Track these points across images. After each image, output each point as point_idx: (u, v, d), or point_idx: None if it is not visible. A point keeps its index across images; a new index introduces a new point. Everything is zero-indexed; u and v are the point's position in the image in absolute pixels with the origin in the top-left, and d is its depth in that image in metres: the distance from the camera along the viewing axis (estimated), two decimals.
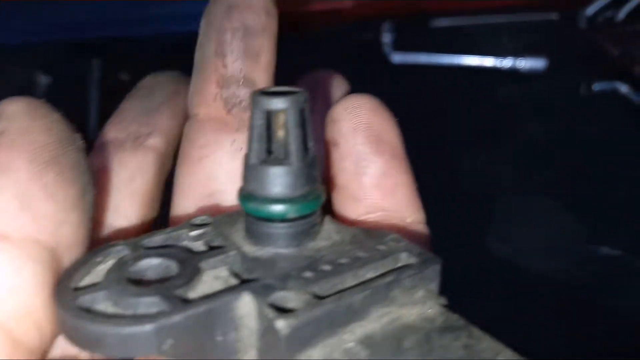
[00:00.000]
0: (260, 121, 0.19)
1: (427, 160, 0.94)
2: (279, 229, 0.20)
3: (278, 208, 0.20)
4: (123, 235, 0.27)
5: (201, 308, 0.18)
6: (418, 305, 0.20)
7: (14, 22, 1.06)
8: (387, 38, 1.06)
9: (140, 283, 0.19)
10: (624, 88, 0.95)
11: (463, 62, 1.03)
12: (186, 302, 0.18)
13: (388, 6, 1.11)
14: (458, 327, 0.19)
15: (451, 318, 0.20)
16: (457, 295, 0.79)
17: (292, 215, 0.20)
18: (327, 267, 0.19)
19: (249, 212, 0.20)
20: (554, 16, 1.08)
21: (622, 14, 1.03)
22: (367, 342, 0.18)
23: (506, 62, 1.00)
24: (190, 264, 0.20)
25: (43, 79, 0.95)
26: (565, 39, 1.05)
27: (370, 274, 0.20)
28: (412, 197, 0.27)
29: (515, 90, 0.99)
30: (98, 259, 0.21)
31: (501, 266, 0.80)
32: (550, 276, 0.78)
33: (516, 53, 1.00)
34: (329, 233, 0.22)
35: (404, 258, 0.21)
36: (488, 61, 1.02)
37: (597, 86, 0.95)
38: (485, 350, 0.18)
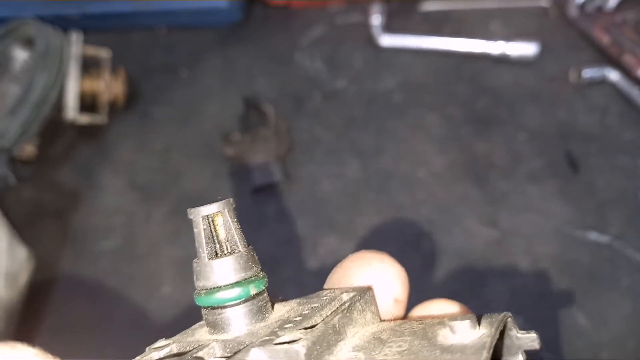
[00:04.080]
0: (204, 226, 0.23)
1: (415, 145, 0.93)
2: (248, 306, 0.23)
3: (241, 289, 0.22)
4: None
5: None
6: (373, 323, 0.24)
7: None
8: (375, 20, 1.04)
9: None
10: (613, 75, 0.94)
11: (453, 47, 1.02)
12: None
13: None
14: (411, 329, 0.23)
15: (401, 325, 0.23)
16: (446, 275, 0.78)
17: (255, 290, 0.23)
18: (298, 318, 0.22)
19: (216, 304, 0.23)
20: (544, 3, 1.07)
21: (612, 2, 1.02)
22: (358, 349, 0.21)
23: (496, 48, 0.99)
24: None
25: (19, 54, 0.91)
26: (555, 27, 1.05)
27: (330, 310, 0.23)
28: None
29: (505, 76, 0.99)
30: None
31: (490, 250, 0.79)
32: (539, 261, 0.77)
33: (506, 39, 0.99)
34: (278, 306, 0.24)
35: (345, 296, 0.24)
36: (478, 47, 1.01)
37: (586, 73, 0.94)
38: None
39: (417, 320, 0.23)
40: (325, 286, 0.26)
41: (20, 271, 0.77)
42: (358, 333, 0.23)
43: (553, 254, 0.78)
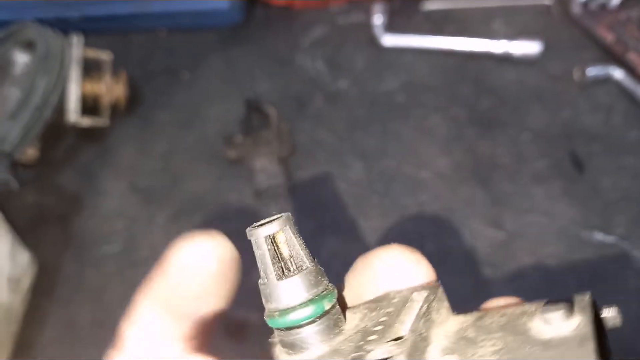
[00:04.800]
0: (268, 246, 0.22)
1: (419, 146, 0.92)
2: (324, 322, 0.22)
3: (316, 305, 0.22)
4: None
5: None
6: (449, 320, 0.22)
7: None
8: (377, 20, 1.03)
9: None
10: (617, 74, 0.94)
11: (455, 47, 1.01)
12: None
13: None
14: (490, 325, 0.21)
15: (481, 318, 0.22)
16: (452, 277, 0.78)
17: (329, 305, 0.22)
18: (378, 328, 0.21)
19: (292, 324, 0.22)
20: (547, 1, 1.06)
21: (615, 0, 1.02)
22: (449, 351, 0.20)
23: (499, 47, 0.99)
24: None
25: (20, 57, 0.91)
26: (558, 25, 1.04)
27: (409, 315, 0.22)
28: None
29: (509, 75, 0.98)
30: None
31: (495, 251, 0.78)
32: (544, 262, 0.77)
33: (509, 38, 0.98)
34: (349, 315, 0.24)
35: (417, 296, 0.23)
36: (481, 46, 1.00)
37: (590, 72, 0.94)
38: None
39: (496, 312, 0.22)
40: (347, 282, 0.25)
41: (23, 275, 0.77)
42: (440, 334, 0.22)
43: (558, 254, 0.77)
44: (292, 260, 0.23)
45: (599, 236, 0.78)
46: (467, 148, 0.89)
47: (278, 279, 0.22)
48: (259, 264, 0.22)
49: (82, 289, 0.81)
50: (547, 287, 0.75)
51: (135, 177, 0.93)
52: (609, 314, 0.20)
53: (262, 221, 0.23)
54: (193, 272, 0.23)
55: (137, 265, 0.82)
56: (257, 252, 0.22)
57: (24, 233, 0.80)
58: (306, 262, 0.22)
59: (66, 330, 0.77)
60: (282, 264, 0.22)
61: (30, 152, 0.88)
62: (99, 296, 0.80)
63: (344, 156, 0.90)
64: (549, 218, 0.80)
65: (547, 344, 0.19)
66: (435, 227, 0.81)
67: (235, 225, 0.85)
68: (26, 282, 0.77)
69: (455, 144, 0.90)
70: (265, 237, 0.22)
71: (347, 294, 0.24)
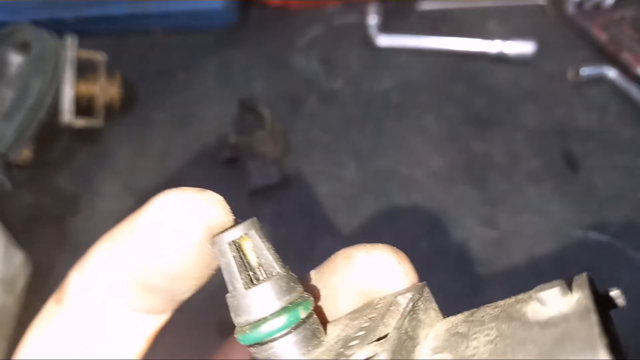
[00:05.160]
0: (233, 253, 0.20)
1: (413, 146, 0.92)
2: (301, 332, 0.20)
3: (290, 314, 0.20)
4: None
5: None
6: (439, 321, 0.21)
7: None
8: (372, 20, 1.03)
9: None
10: (611, 73, 0.94)
11: (450, 47, 1.02)
12: None
13: None
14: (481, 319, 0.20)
15: (472, 314, 0.21)
16: (445, 276, 0.78)
17: (304, 313, 0.20)
18: (361, 333, 0.20)
19: (264, 338, 0.20)
20: (541, 1, 1.07)
21: None
22: (440, 349, 0.19)
23: (493, 47, 0.99)
24: None
25: (14, 58, 0.91)
26: (552, 25, 1.04)
27: (394, 316, 0.20)
28: None
29: (503, 75, 0.98)
30: None
31: (489, 250, 0.78)
32: (538, 261, 0.77)
33: (503, 38, 0.98)
34: (330, 327, 0.22)
35: (402, 299, 0.21)
36: (475, 46, 1.00)
37: (584, 71, 0.94)
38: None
39: (488, 306, 0.20)
40: (321, 277, 0.22)
41: (17, 277, 0.77)
42: (429, 334, 0.20)
43: (552, 253, 0.77)
44: (261, 269, 0.21)
45: (593, 235, 0.78)
46: (461, 147, 0.89)
47: (246, 288, 0.20)
48: (225, 275, 0.20)
49: None
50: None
51: (130, 178, 0.93)
52: (613, 292, 0.19)
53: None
54: (171, 238, 0.19)
55: None
56: (221, 261, 0.20)
57: (19, 234, 0.80)
58: (276, 267, 0.20)
59: None
60: (251, 272, 0.20)
61: (25, 153, 0.88)
62: None
63: (338, 156, 0.91)
64: (542, 217, 0.80)
65: (545, 324, 0.17)
66: (430, 226, 0.81)
67: None
68: (20, 283, 0.77)
69: (449, 143, 0.90)
70: (230, 244, 0.20)
71: (322, 292, 0.22)
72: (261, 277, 0.20)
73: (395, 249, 0.22)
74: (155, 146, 0.96)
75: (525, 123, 0.91)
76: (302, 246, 0.81)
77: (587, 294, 0.17)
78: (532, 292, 0.19)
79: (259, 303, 0.20)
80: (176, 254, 0.19)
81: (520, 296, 0.20)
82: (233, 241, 0.20)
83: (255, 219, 0.21)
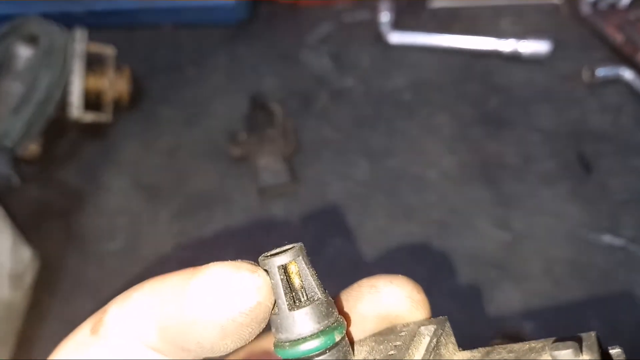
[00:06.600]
0: (280, 276, 0.22)
1: (425, 145, 0.91)
2: (334, 354, 0.22)
3: (327, 337, 0.22)
4: None
5: None
6: (455, 355, 0.23)
7: None
8: (384, 17, 1.02)
9: None
10: (627, 74, 0.92)
11: (463, 45, 1.00)
12: None
13: None
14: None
15: (488, 354, 0.23)
16: (457, 278, 0.76)
17: (339, 336, 0.22)
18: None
19: (302, 355, 0.22)
20: (556, 0, 1.05)
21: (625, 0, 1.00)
22: None
23: (507, 46, 0.97)
24: None
25: (23, 51, 0.90)
26: (567, 24, 1.03)
27: (418, 349, 0.22)
28: None
29: (517, 74, 0.97)
30: None
31: (502, 252, 0.77)
32: (552, 264, 0.76)
33: (517, 37, 0.97)
34: (357, 347, 0.24)
35: (424, 330, 0.23)
36: (489, 44, 0.99)
37: (600, 72, 0.93)
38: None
39: (503, 348, 0.22)
40: (349, 303, 0.25)
41: (25, 272, 0.76)
42: None
43: (566, 257, 0.76)
44: (304, 291, 0.23)
45: (607, 238, 0.77)
46: (474, 147, 0.88)
47: (290, 309, 0.22)
48: (275, 294, 0.22)
49: (84, 285, 0.80)
50: (554, 289, 0.74)
51: (138, 174, 0.92)
52: (614, 352, 0.21)
53: (275, 250, 0.23)
54: (210, 316, 0.20)
55: (139, 262, 0.82)
56: (271, 282, 0.22)
57: (26, 229, 0.79)
58: (317, 292, 0.23)
59: (68, 326, 0.76)
60: (294, 294, 0.23)
61: (33, 148, 0.87)
62: (101, 292, 0.80)
63: (349, 154, 0.90)
64: (556, 219, 0.79)
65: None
66: (441, 227, 0.80)
67: (239, 223, 0.84)
68: (28, 278, 0.76)
69: (462, 143, 0.89)
70: (278, 267, 0.22)
71: (352, 317, 0.25)
72: (303, 299, 0.23)
73: (413, 281, 0.25)
74: (163, 142, 0.95)
75: (539, 123, 0.90)
76: (313, 244, 0.80)
77: (596, 356, 0.20)
78: (545, 343, 0.21)
79: (300, 324, 0.22)
80: (214, 329, 0.20)
81: (534, 344, 0.22)
82: (281, 265, 0.22)
83: (301, 244, 0.23)
